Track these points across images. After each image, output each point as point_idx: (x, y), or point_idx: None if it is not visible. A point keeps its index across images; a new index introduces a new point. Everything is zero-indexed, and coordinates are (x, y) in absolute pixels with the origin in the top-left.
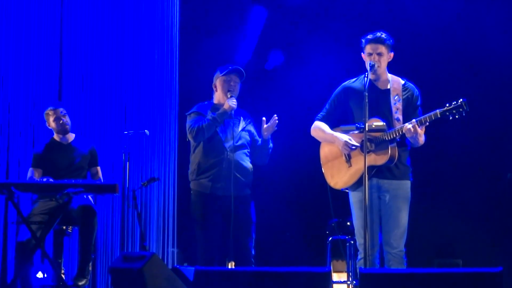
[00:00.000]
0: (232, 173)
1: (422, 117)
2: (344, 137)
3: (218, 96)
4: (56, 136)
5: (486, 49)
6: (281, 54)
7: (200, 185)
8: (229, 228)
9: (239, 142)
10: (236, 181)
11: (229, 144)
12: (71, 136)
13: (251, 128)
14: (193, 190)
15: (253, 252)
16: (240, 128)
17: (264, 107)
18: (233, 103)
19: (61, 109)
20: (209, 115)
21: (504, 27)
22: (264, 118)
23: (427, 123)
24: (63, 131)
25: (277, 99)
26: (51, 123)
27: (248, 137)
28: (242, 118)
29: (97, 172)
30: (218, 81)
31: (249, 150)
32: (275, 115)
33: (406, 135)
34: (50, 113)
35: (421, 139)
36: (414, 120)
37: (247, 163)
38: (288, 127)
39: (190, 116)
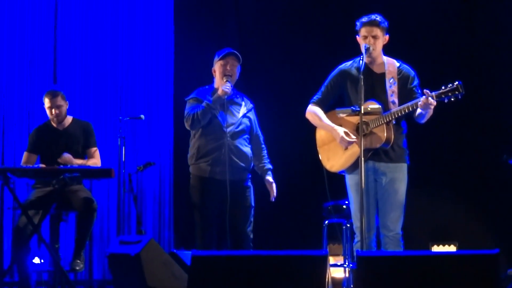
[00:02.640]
0: (231, 158)
1: (433, 93)
2: (341, 131)
3: (217, 81)
4: (52, 121)
5: (482, 30)
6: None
7: (199, 169)
8: (228, 213)
9: (240, 128)
10: (234, 166)
11: (229, 129)
12: (67, 121)
13: (251, 115)
14: (192, 174)
15: (251, 236)
16: (241, 114)
17: (259, 90)
18: (227, 88)
19: (58, 98)
20: (204, 102)
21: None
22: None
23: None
24: (55, 121)
25: (272, 82)
26: (46, 109)
27: (248, 123)
28: (244, 104)
29: (93, 154)
30: (216, 66)
31: (248, 136)
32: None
33: (424, 108)
34: (45, 100)
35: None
36: (428, 92)
37: (247, 149)
38: (284, 110)
39: (189, 102)
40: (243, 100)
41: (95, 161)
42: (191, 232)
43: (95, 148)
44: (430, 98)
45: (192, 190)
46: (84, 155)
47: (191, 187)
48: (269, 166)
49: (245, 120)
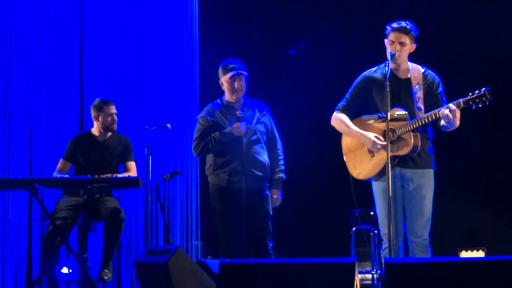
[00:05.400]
0: (248, 168)
1: (456, 101)
2: (371, 135)
3: (227, 94)
4: (95, 131)
5: (508, 35)
6: (305, 41)
7: (217, 179)
8: (246, 222)
9: (254, 137)
10: (252, 175)
11: (244, 139)
12: (107, 133)
13: (266, 119)
14: (211, 184)
15: (271, 244)
16: (254, 122)
17: (284, 97)
18: (242, 129)
19: (114, 106)
20: (217, 135)
21: None
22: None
23: (461, 107)
24: (110, 129)
25: (297, 88)
26: (100, 118)
27: (263, 129)
28: (256, 110)
29: (129, 167)
30: (223, 80)
31: (265, 140)
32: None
33: (444, 120)
34: (109, 107)
35: (458, 122)
36: (450, 104)
37: (264, 157)
38: (309, 117)
39: (199, 123)
40: (255, 106)
41: (131, 173)
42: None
43: (131, 162)
44: (447, 110)
45: (212, 199)
46: (119, 168)
47: (211, 196)
48: (280, 175)
49: (260, 127)
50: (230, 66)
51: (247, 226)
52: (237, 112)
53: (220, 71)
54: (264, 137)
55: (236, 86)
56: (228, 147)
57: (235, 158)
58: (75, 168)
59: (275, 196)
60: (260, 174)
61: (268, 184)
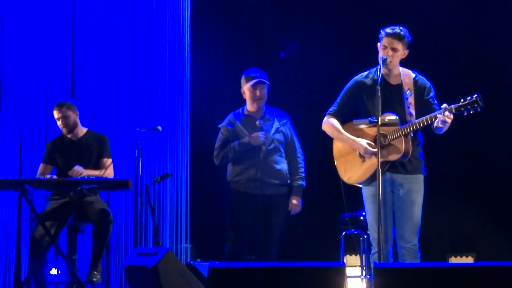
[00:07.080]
0: (264, 177)
1: (452, 106)
2: (364, 142)
3: (248, 103)
4: (63, 132)
5: (500, 42)
6: (295, 42)
7: (236, 184)
8: (260, 226)
9: (272, 145)
10: (268, 183)
11: (262, 148)
12: (81, 132)
13: (285, 129)
14: (231, 189)
15: (276, 248)
16: (273, 131)
17: (275, 100)
18: (260, 138)
19: (63, 109)
20: (235, 145)
21: None
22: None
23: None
24: (65, 131)
25: (288, 92)
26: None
27: (282, 138)
28: (276, 119)
29: (105, 164)
30: (245, 88)
31: (283, 150)
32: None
33: (438, 125)
34: (54, 112)
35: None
36: (446, 108)
37: (281, 165)
38: (301, 121)
39: (220, 132)
40: (275, 116)
41: (108, 172)
42: (209, 244)
43: (108, 159)
44: (447, 112)
45: (229, 204)
46: (98, 165)
47: (228, 201)
48: (299, 183)
49: (278, 136)
50: (252, 75)
51: (260, 231)
52: (256, 122)
53: (242, 80)
54: (283, 146)
55: (258, 94)
56: (246, 155)
57: (252, 166)
58: (56, 170)
59: (294, 202)
60: (277, 182)
61: (286, 191)
